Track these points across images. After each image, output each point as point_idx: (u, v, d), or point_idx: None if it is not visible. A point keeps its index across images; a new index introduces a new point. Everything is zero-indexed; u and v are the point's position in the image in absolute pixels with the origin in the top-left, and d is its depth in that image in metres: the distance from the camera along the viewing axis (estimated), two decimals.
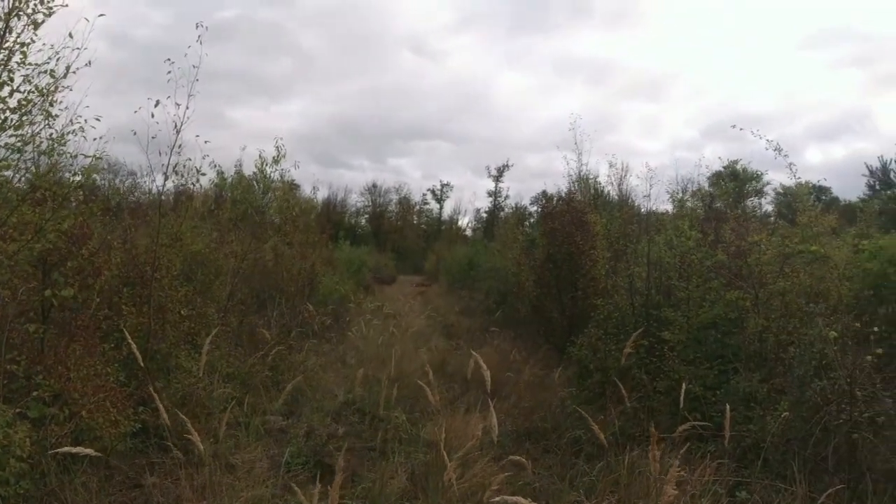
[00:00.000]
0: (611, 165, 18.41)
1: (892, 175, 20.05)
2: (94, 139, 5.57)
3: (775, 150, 6.77)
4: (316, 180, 50.17)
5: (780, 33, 75.19)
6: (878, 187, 20.31)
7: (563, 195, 13.41)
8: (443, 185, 60.30)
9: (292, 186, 16.82)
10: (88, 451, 3.47)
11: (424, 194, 60.64)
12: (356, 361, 9.46)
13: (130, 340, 4.66)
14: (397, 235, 55.25)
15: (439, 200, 60.42)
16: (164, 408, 4.40)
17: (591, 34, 79.84)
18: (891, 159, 19.63)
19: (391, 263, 39.00)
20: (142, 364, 4.80)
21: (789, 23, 75.19)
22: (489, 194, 55.90)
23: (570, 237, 10.50)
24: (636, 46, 79.41)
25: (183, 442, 4.82)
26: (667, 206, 14.60)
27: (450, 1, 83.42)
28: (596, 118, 74.66)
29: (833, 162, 55.88)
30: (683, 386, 5.17)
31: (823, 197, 24.24)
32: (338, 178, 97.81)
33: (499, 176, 55.25)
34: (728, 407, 4.70)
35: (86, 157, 5.46)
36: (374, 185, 58.45)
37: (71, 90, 5.19)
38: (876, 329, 5.20)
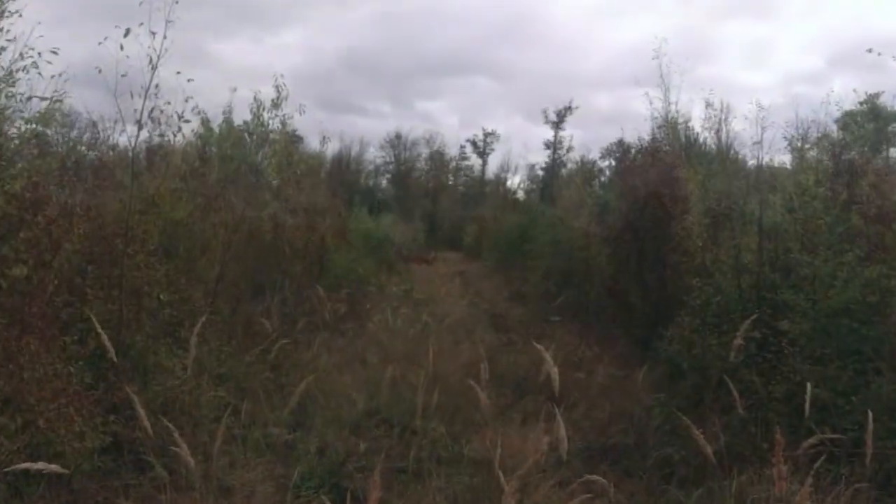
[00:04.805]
0: (707, 105, 18.03)
1: None
2: (52, 76, 5.67)
3: None
4: (324, 130, 50.17)
5: None
6: None
7: (646, 145, 13.26)
8: (486, 135, 60.08)
9: (293, 139, 16.95)
10: (53, 466, 3.52)
11: (463, 147, 60.61)
12: (380, 360, 9.54)
13: (101, 331, 4.69)
14: (429, 200, 55.42)
15: (482, 155, 60.32)
16: (143, 416, 4.48)
17: None
18: None
19: (421, 236, 39.20)
20: (115, 360, 4.85)
21: None
22: (546, 146, 55.62)
23: (655, 199, 10.50)
24: None
25: (165, 459, 4.92)
26: (784, 158, 14.28)
27: None
28: (687, 44, 73.54)
29: None
30: (809, 389, 5.11)
31: None
32: (350, 126, 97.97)
33: (559, 122, 54.83)
34: (870, 416, 4.62)
35: (42, 99, 5.53)
36: (398, 137, 58.62)
37: (21, 16, 5.25)
38: None
